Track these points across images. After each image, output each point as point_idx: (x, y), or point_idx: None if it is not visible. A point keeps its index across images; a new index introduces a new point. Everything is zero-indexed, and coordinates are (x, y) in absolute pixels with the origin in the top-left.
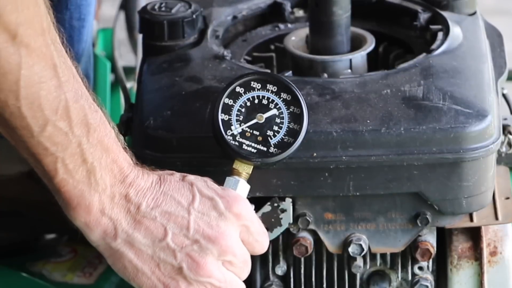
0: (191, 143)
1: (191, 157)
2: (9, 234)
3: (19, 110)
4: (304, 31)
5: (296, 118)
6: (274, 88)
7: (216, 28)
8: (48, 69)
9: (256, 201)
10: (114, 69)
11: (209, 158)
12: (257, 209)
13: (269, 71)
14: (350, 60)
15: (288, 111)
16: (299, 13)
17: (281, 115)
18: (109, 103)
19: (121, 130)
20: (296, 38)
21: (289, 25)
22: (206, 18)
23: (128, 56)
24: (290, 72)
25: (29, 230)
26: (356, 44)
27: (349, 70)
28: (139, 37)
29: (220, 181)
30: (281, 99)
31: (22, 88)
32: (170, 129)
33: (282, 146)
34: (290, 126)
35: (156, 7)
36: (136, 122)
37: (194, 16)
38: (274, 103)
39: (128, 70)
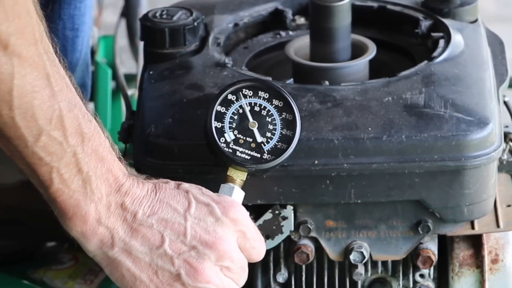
0: (192, 151)
1: (192, 164)
2: (10, 242)
3: (13, 120)
4: (305, 39)
5: (289, 124)
6: (266, 95)
7: (217, 36)
8: (41, 78)
9: (257, 209)
10: (115, 76)
11: (210, 165)
12: (258, 217)
13: (263, 77)
14: (352, 67)
15: (281, 117)
16: (300, 20)
17: (273, 122)
18: (110, 111)
19: (122, 137)
20: (297, 46)
21: (290, 33)
22: (208, 26)
23: (129, 63)
24: (291, 79)
25: (30, 238)
26: (357, 51)
27: (351, 78)
28: (140, 44)
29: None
30: (273, 105)
31: (15, 98)
32: (172, 137)
33: (276, 152)
34: (283, 132)
35: (157, 14)
36: (137, 130)
37: (195, 24)
38: (266, 109)
39: (129, 78)
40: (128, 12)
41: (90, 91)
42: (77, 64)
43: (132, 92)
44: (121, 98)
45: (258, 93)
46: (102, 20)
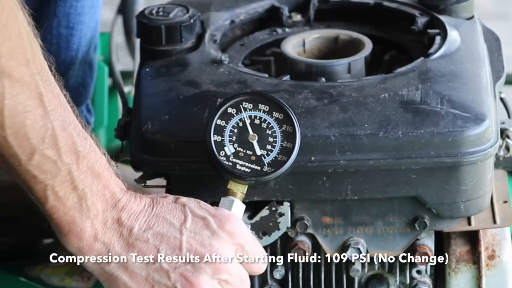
0: (189, 148)
1: (189, 161)
2: (8, 239)
3: (5, 140)
4: (302, 35)
5: (289, 136)
6: (266, 108)
7: (213, 33)
8: (33, 98)
9: (254, 205)
10: (111, 73)
11: (207, 162)
12: (255, 213)
13: (262, 75)
14: (348, 64)
15: (281, 130)
16: (297, 17)
17: (273, 134)
18: (107, 107)
19: (119, 134)
20: (294, 43)
21: (287, 30)
22: (204, 23)
23: (126, 60)
24: (288, 76)
25: (27, 235)
26: (354, 48)
27: (347, 74)
28: (137, 41)
29: (218, 186)
30: (273, 118)
31: (7, 118)
32: (168, 134)
33: (276, 164)
34: (283, 145)
35: (153, 11)
36: (134, 127)
37: (191, 21)
38: (266, 122)
39: (126, 75)
40: (124, 9)
41: (92, 92)
42: (73, 63)
43: (129, 89)
44: (118, 95)
45: (258, 106)
46: None
